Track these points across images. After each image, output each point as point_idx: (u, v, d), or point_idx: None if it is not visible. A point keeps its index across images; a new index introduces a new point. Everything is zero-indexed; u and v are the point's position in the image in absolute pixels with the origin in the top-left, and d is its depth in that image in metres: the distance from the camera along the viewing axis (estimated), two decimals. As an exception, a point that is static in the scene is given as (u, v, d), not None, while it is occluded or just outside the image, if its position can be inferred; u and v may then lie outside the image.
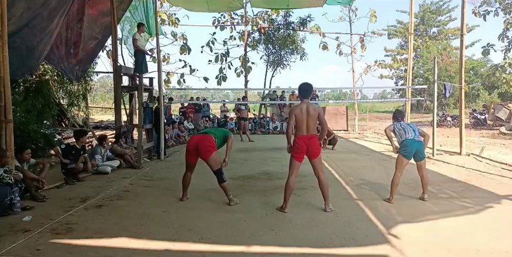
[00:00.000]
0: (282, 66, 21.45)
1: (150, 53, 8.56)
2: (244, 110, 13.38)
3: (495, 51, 22.84)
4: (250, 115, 18.59)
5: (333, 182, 6.13)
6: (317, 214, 4.32)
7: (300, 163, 4.35)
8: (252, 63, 20.92)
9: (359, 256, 3.26)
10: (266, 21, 20.21)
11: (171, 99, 17.42)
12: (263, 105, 20.90)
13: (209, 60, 20.03)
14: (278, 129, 16.16)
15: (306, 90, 4.40)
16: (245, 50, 20.37)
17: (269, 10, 19.20)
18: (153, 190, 5.71)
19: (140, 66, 8.45)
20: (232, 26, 20.08)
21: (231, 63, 20.34)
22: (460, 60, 9.39)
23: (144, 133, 8.82)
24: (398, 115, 5.20)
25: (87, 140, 10.40)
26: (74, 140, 6.68)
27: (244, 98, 15.92)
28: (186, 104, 17.64)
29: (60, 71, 8.98)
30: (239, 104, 14.12)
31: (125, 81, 9.00)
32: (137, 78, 8.52)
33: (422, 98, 20.01)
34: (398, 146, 4.91)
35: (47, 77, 11.57)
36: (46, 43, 6.61)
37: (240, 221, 4.09)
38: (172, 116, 15.53)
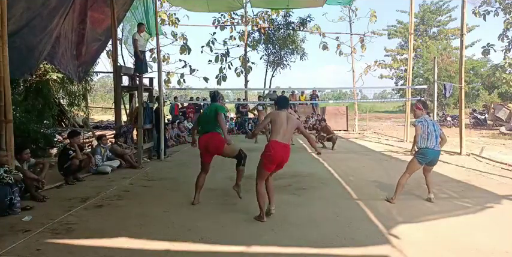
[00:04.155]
0: (282, 66, 21.47)
1: (142, 58, 8.44)
2: (261, 111, 12.99)
3: (495, 51, 22.89)
4: (250, 115, 18.59)
5: (333, 182, 6.13)
6: (317, 214, 4.32)
7: (269, 172, 4.08)
8: (252, 63, 20.98)
9: (359, 256, 3.26)
10: (266, 21, 20.23)
11: (175, 98, 17.47)
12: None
13: (209, 60, 20.07)
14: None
15: (283, 102, 4.30)
16: (245, 50, 20.38)
17: (269, 10, 19.21)
18: (153, 190, 5.71)
19: (140, 66, 8.45)
20: (232, 26, 20.11)
21: (231, 63, 20.38)
22: (460, 60, 9.40)
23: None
24: (426, 106, 4.93)
25: (88, 140, 10.42)
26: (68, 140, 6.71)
27: (260, 97, 15.79)
28: (186, 104, 17.67)
29: (68, 74, 8.99)
30: (257, 104, 13.92)
31: (125, 81, 9.00)
32: (137, 78, 8.51)
33: (423, 98, 19.97)
34: (417, 148, 4.75)
35: (47, 77, 11.56)
36: (46, 43, 6.61)
37: (240, 221, 4.09)
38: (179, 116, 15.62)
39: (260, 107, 13.28)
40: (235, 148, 4.59)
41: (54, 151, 8.81)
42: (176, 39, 19.11)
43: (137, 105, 8.61)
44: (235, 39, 20.30)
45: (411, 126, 12.82)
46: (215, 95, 4.89)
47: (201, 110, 16.94)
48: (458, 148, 9.04)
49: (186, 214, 4.35)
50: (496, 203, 4.69)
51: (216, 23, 19.87)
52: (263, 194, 4.05)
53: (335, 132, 11.62)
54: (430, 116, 4.87)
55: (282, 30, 20.46)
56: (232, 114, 18.86)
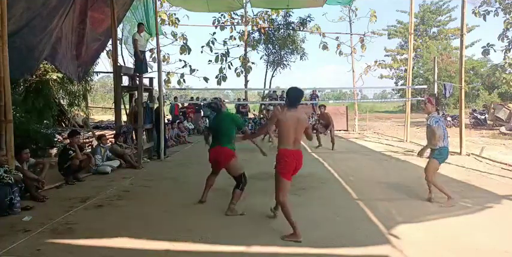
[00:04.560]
0: (282, 66, 21.45)
1: (142, 58, 8.43)
2: (270, 111, 12.54)
3: (495, 51, 22.80)
4: (250, 115, 18.58)
5: (333, 182, 6.14)
6: (317, 214, 4.32)
7: (291, 181, 3.72)
8: (252, 63, 20.96)
9: (359, 256, 3.26)
10: (266, 21, 20.21)
11: (175, 98, 17.48)
12: (263, 106, 20.91)
13: (209, 60, 20.05)
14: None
15: (296, 97, 3.70)
16: (245, 50, 20.38)
17: (269, 10, 19.20)
18: (153, 190, 5.71)
19: (140, 66, 8.45)
20: (232, 26, 20.10)
21: (231, 63, 20.37)
22: (460, 60, 9.40)
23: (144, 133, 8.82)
24: (438, 102, 4.88)
25: (88, 140, 10.42)
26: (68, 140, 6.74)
27: (270, 98, 14.83)
28: (186, 104, 17.66)
29: (68, 74, 9.00)
30: (268, 104, 13.29)
31: (125, 81, 9.00)
32: (137, 78, 8.52)
33: (422, 98, 19.97)
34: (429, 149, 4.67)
35: (47, 77, 11.57)
36: (46, 43, 6.62)
37: (240, 221, 4.09)
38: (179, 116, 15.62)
39: (271, 107, 12.85)
40: (239, 168, 4.49)
41: (54, 151, 8.81)
42: (176, 39, 19.09)
43: (135, 105, 8.62)
44: (235, 39, 20.30)
45: (411, 127, 12.81)
46: (217, 105, 4.60)
47: (201, 111, 17.02)
48: (458, 148, 9.04)
49: (186, 214, 4.35)
50: (496, 203, 4.68)
51: (216, 23, 19.86)
52: (290, 208, 3.60)
53: (335, 132, 11.52)
54: (439, 113, 4.77)
55: (282, 30, 20.44)
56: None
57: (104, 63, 44.38)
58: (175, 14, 18.56)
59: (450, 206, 4.52)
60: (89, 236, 3.59)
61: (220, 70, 20.10)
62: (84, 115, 14.27)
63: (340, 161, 8.22)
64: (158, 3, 13.87)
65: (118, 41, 9.79)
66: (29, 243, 3.41)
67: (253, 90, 29.41)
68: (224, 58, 20.07)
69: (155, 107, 9.23)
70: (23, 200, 4.63)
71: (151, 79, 9.72)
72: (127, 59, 14.53)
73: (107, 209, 4.56)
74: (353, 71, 18.92)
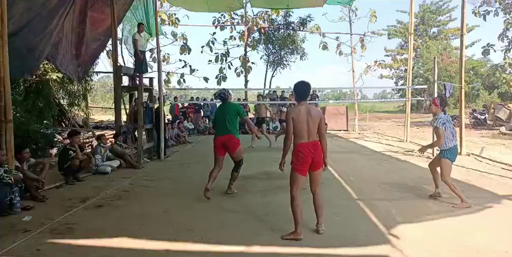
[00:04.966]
0: (282, 66, 21.49)
1: (142, 58, 8.43)
2: (284, 112, 11.94)
3: (495, 51, 22.83)
4: (250, 115, 18.58)
5: (333, 182, 6.13)
6: (317, 214, 4.31)
7: (305, 177, 3.59)
8: (252, 63, 21.00)
9: (359, 256, 3.26)
10: (266, 21, 20.26)
11: (175, 98, 17.53)
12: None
13: (209, 60, 20.08)
14: (278, 129, 16.15)
15: (303, 91, 3.67)
16: (245, 50, 20.41)
17: (269, 10, 19.23)
18: (153, 190, 5.71)
19: (140, 66, 8.45)
20: (232, 26, 20.14)
21: (231, 63, 20.40)
22: (460, 60, 9.39)
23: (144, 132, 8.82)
24: (443, 103, 4.73)
25: (88, 140, 10.42)
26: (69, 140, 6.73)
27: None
28: (186, 104, 17.68)
29: (68, 74, 9.00)
30: (281, 105, 13.03)
31: (125, 81, 9.00)
32: (137, 78, 8.52)
33: (422, 98, 20.02)
34: (440, 147, 4.64)
35: (47, 77, 11.57)
36: (46, 43, 6.61)
37: (240, 221, 4.09)
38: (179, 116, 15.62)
39: (284, 109, 12.64)
40: (242, 153, 5.13)
41: (54, 151, 8.81)
42: (176, 39, 19.15)
43: (135, 105, 8.62)
44: (235, 39, 20.34)
45: (411, 127, 12.79)
46: (224, 95, 5.06)
47: (201, 110, 17.02)
48: (459, 148, 9.02)
49: (186, 214, 4.35)
50: (496, 203, 4.68)
51: (216, 23, 19.90)
52: (300, 205, 3.53)
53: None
54: (445, 113, 4.71)
55: (282, 30, 20.48)
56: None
57: (104, 63, 44.52)
58: (175, 14, 18.63)
59: (464, 207, 4.48)
60: (88, 236, 3.58)
61: (220, 70, 20.15)
62: (84, 115, 14.26)
63: (340, 161, 8.21)
64: (158, 3, 13.89)
65: (118, 41, 9.79)
66: (29, 243, 3.41)
67: (253, 90, 29.39)
68: (224, 58, 20.13)
69: (155, 107, 9.23)
70: (23, 200, 4.62)
71: (151, 79, 9.72)
72: (127, 59, 14.61)
73: (106, 209, 4.56)
74: (353, 71, 18.94)
